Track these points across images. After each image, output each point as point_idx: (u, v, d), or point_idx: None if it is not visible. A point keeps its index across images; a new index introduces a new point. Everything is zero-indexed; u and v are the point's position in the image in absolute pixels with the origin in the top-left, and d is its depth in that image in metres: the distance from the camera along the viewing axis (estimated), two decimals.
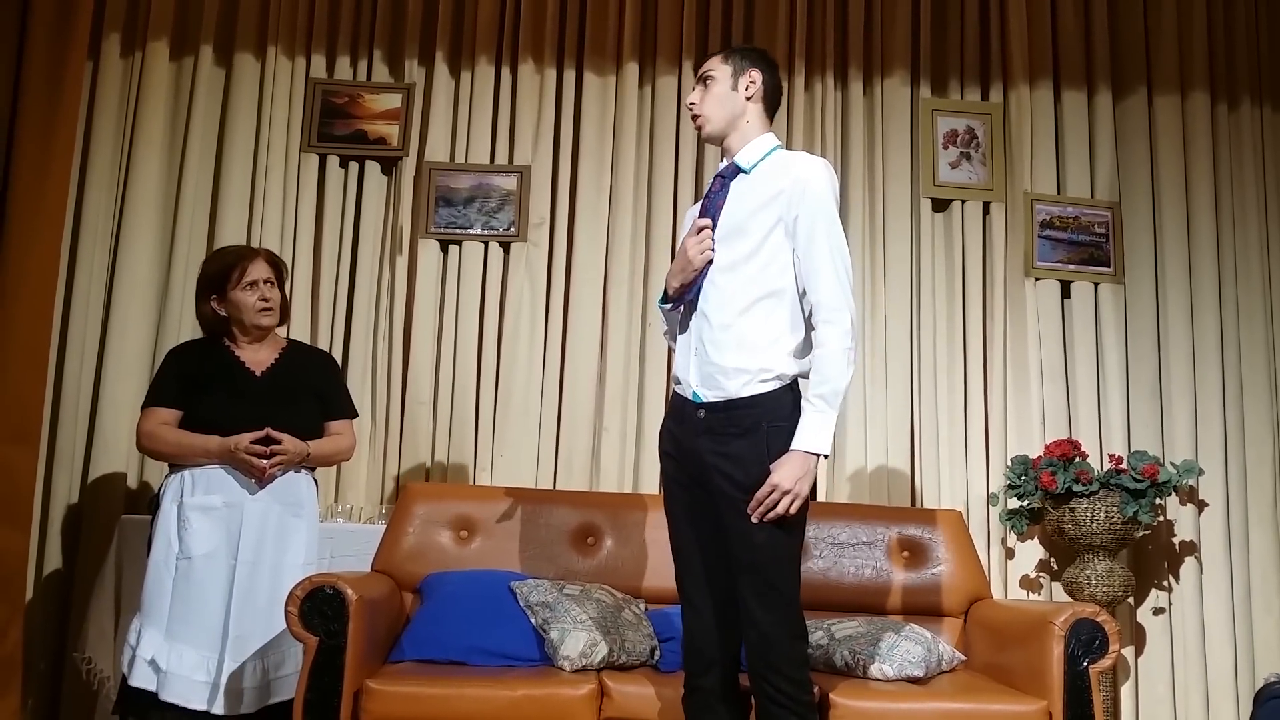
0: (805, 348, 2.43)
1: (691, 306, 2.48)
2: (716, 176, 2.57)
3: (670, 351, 3.90)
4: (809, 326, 2.43)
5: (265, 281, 3.01)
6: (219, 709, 2.78)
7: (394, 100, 4.07)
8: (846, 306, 2.35)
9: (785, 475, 2.28)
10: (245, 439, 2.87)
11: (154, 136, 3.96)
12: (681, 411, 2.48)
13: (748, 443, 2.33)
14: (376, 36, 4.14)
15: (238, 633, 2.82)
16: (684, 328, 2.51)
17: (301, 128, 4.05)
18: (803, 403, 2.35)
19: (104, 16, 3.99)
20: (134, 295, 3.87)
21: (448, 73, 4.11)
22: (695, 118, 2.56)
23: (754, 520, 2.28)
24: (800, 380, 2.43)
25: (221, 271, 3.01)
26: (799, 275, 2.41)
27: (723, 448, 2.36)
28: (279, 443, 2.90)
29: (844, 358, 2.32)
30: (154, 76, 4.00)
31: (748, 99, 2.52)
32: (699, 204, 2.65)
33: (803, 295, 2.41)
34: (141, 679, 2.77)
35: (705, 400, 2.40)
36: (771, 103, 2.57)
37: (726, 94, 2.51)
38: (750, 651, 2.35)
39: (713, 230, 2.47)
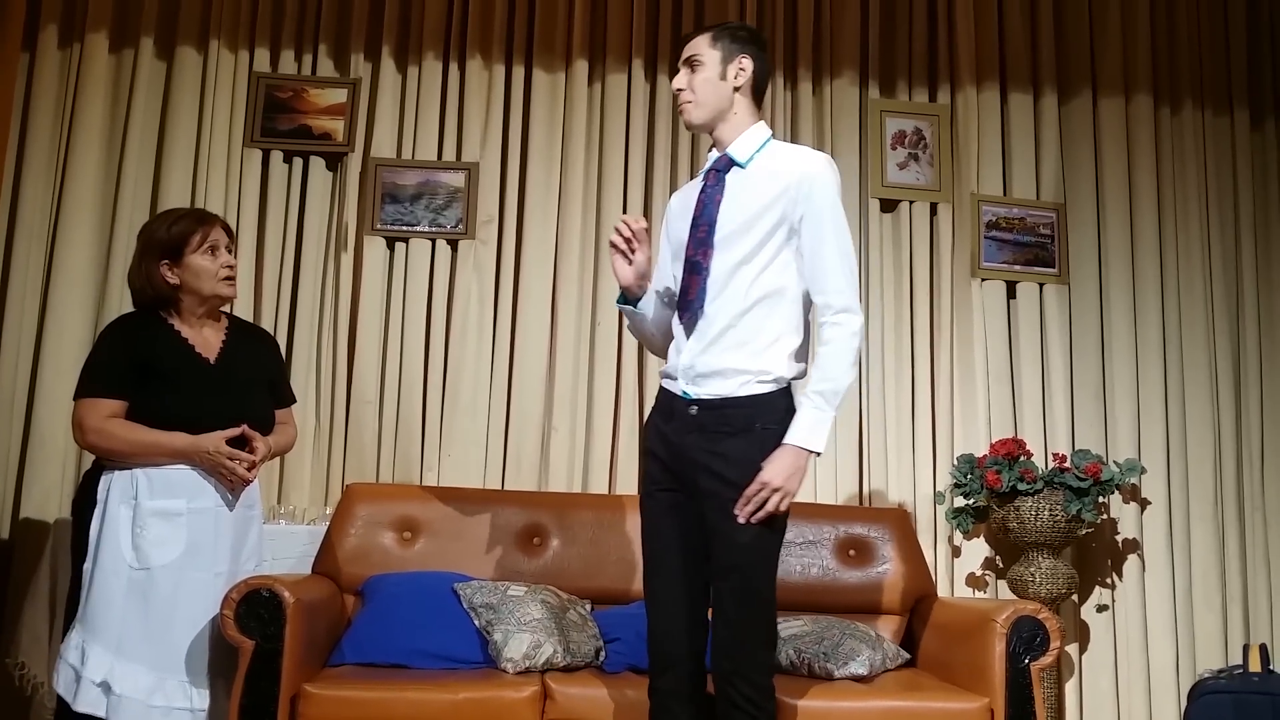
0: (804, 350, 2.39)
1: (693, 304, 2.38)
2: (710, 170, 2.45)
3: (621, 348, 3.94)
4: (808, 328, 2.39)
5: (226, 247, 2.74)
6: None
7: (339, 95, 4.02)
8: (856, 308, 2.30)
9: (776, 471, 2.22)
10: (220, 440, 2.60)
11: (93, 131, 3.88)
12: (670, 407, 2.40)
13: (741, 442, 2.27)
14: (322, 30, 4.08)
15: (223, 648, 2.60)
16: (689, 330, 2.39)
17: (244, 123, 3.98)
18: (800, 398, 2.29)
19: (40, 7, 3.91)
20: (72, 293, 3.79)
21: (394, 68, 4.06)
22: (682, 103, 2.43)
23: (741, 519, 2.22)
24: (795, 384, 2.37)
25: (180, 235, 2.68)
26: (803, 275, 2.35)
27: (714, 446, 2.30)
28: (252, 441, 2.66)
29: (849, 358, 2.28)
30: (93, 69, 3.92)
31: (736, 89, 2.41)
32: (680, 193, 2.57)
33: (805, 295, 2.36)
34: (89, 704, 2.49)
35: (698, 397, 2.34)
36: (760, 91, 2.46)
37: (714, 82, 2.40)
38: (718, 652, 2.28)
39: (712, 229, 2.38)
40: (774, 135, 2.49)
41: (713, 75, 2.40)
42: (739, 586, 2.26)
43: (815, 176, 2.34)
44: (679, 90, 2.44)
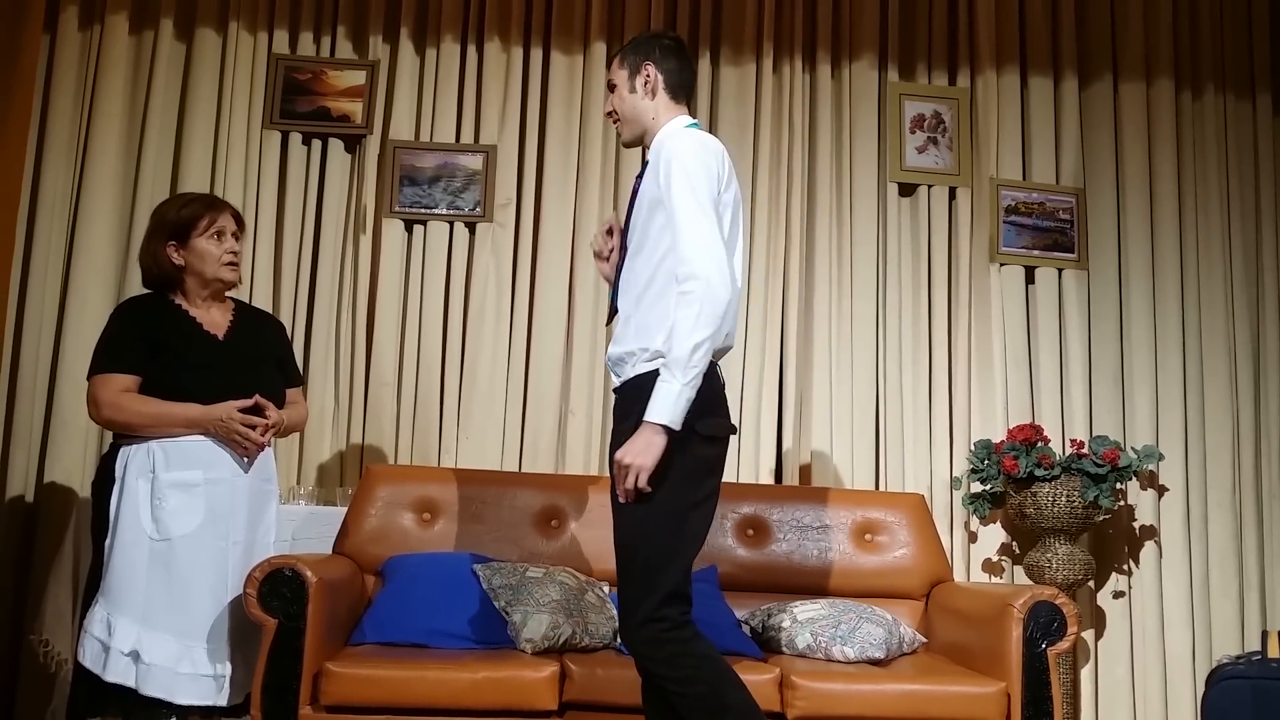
0: None
1: (612, 304, 2.50)
2: (638, 177, 2.51)
3: None
4: None
5: (232, 234, 2.82)
6: (223, 700, 2.63)
7: (358, 77, 4.02)
8: (701, 274, 2.23)
9: (626, 449, 2.23)
10: (233, 408, 2.67)
11: (113, 112, 3.89)
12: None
13: (628, 425, 2.30)
14: (340, 12, 4.08)
15: (240, 617, 2.65)
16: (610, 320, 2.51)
17: (264, 104, 3.99)
18: None
19: None
20: (92, 273, 3.81)
21: (413, 50, 4.06)
22: (615, 125, 2.54)
23: (621, 500, 2.26)
24: None
25: (188, 218, 2.76)
26: None
27: (617, 429, 2.37)
28: (264, 411, 2.72)
29: (688, 325, 2.21)
30: (113, 51, 3.92)
31: (649, 96, 2.47)
32: None
33: None
34: (119, 674, 2.54)
35: (616, 386, 2.42)
36: (675, 87, 2.48)
37: (627, 97, 2.48)
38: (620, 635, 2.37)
39: (626, 233, 2.47)
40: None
41: (625, 92, 2.49)
42: (620, 564, 2.30)
43: (663, 149, 2.36)
44: (607, 114, 2.54)
